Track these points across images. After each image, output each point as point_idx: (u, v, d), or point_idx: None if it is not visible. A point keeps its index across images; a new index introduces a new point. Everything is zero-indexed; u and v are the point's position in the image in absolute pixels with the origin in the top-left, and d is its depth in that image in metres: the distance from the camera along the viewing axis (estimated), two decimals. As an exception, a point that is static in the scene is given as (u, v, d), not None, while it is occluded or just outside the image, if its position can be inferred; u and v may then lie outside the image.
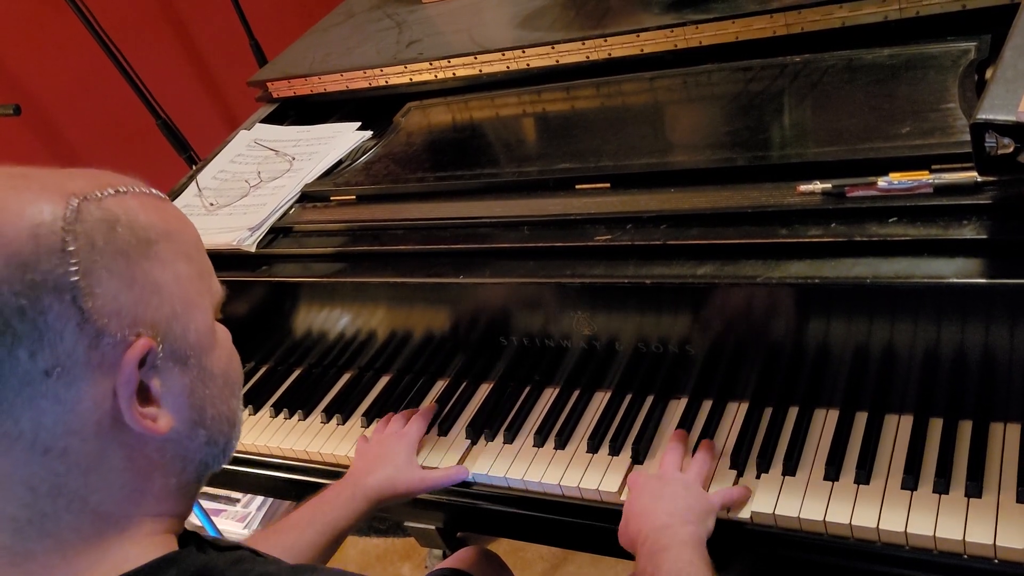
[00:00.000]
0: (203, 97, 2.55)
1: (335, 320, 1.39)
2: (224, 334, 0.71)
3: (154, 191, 0.68)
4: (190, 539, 0.68)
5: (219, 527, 2.26)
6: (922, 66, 1.12)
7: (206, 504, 2.28)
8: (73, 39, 2.07)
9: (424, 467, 1.19)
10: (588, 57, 1.37)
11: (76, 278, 0.58)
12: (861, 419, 1.04)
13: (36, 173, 0.62)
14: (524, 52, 1.41)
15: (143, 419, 0.61)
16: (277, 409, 1.40)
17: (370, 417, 1.31)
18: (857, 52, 1.19)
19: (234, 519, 2.30)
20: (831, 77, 1.17)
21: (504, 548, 2.00)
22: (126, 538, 0.63)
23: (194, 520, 2.30)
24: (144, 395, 0.62)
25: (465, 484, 1.19)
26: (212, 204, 1.45)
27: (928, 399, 1.01)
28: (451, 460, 1.20)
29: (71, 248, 0.58)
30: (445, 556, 2.10)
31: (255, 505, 2.31)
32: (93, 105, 2.22)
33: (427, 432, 1.25)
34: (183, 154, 2.20)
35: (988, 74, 1.08)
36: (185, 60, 2.49)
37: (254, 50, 2.39)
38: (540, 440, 1.16)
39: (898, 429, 1.02)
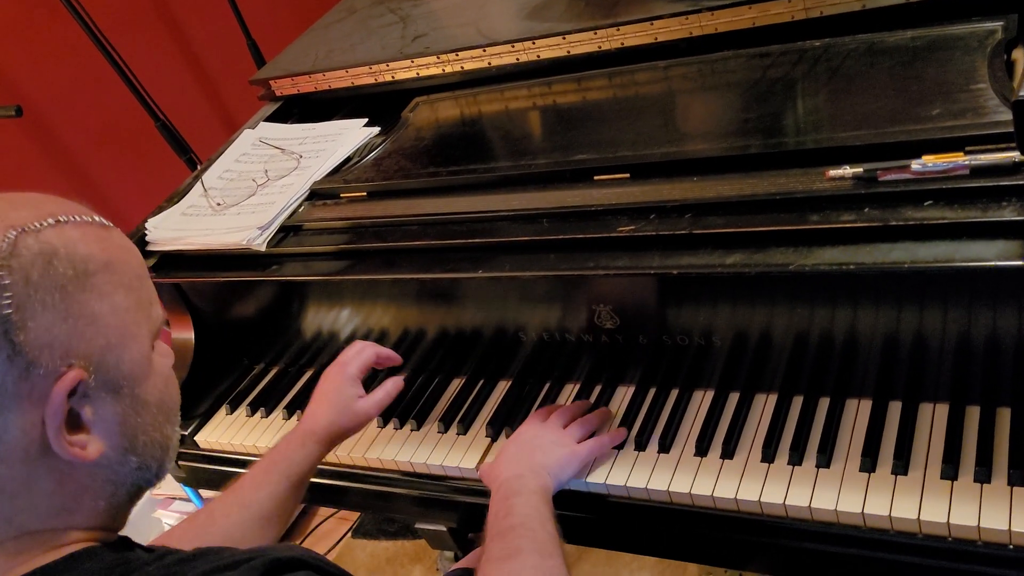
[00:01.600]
0: (201, 98, 2.52)
1: (347, 319, 1.36)
2: (162, 360, 0.73)
3: (98, 219, 0.69)
4: (119, 543, 0.71)
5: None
6: (947, 47, 1.10)
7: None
8: (69, 41, 2.04)
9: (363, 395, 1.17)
10: (600, 47, 1.35)
11: (9, 311, 0.59)
12: (895, 408, 1.02)
13: None
14: (534, 43, 1.39)
15: (71, 447, 0.63)
16: (291, 411, 1.38)
17: (387, 416, 1.28)
18: (879, 35, 1.16)
19: (241, 525, 2.27)
20: (853, 61, 1.15)
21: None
22: (49, 548, 0.66)
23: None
24: (75, 422, 0.64)
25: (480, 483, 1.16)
26: (219, 204, 1.42)
27: (964, 387, 0.98)
28: (472, 458, 1.18)
29: (5, 282, 0.60)
30: (457, 558, 2.07)
31: (262, 511, 2.28)
32: (91, 108, 2.18)
33: (446, 431, 1.23)
34: (183, 156, 2.16)
35: (1017, 54, 1.05)
36: (182, 61, 2.45)
37: (252, 50, 2.35)
38: (563, 437, 1.14)
39: (934, 418, 1.00)
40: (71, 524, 0.67)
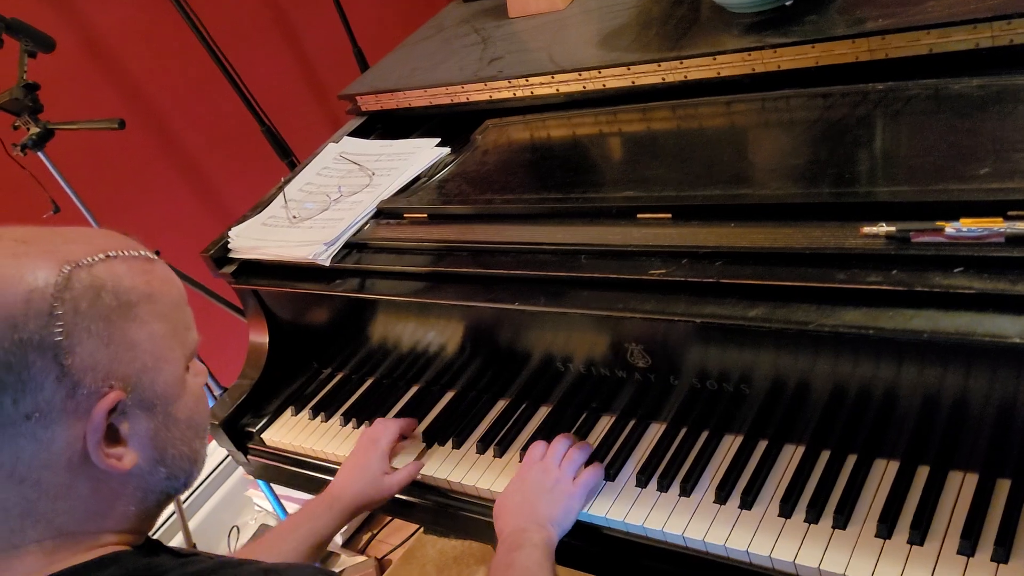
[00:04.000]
0: (309, 103, 2.64)
1: (404, 335, 1.42)
2: (194, 380, 0.79)
3: (144, 253, 0.76)
4: (147, 547, 0.77)
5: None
6: (1013, 100, 1.05)
7: (294, 494, 2.37)
8: (185, 48, 2.18)
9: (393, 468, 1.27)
10: (664, 79, 1.35)
11: (59, 338, 0.66)
12: (923, 474, 0.99)
13: (41, 239, 0.70)
14: (600, 72, 1.40)
15: (108, 458, 0.70)
16: (347, 418, 1.45)
17: (430, 433, 1.33)
18: (944, 81, 1.12)
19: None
20: (913, 107, 1.11)
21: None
22: (81, 548, 0.72)
23: (266, 505, 2.40)
24: (113, 436, 0.71)
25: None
26: (295, 217, 1.50)
27: (997, 459, 0.95)
28: (504, 480, 1.21)
29: (58, 312, 0.66)
30: (520, 564, 2.12)
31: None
32: (202, 112, 2.33)
33: (483, 452, 1.27)
34: (285, 159, 2.29)
35: (1083, 110, 1.00)
36: (292, 67, 2.58)
37: (357, 57, 2.46)
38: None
39: (961, 487, 0.96)
40: (104, 528, 0.73)
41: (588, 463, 1.16)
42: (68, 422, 0.67)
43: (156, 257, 0.78)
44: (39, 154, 1.69)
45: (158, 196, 2.25)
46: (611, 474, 1.15)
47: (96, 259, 0.70)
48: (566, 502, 1.08)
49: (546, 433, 1.25)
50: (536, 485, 1.10)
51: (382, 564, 2.33)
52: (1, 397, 0.64)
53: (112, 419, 0.70)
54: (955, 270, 0.88)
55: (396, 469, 1.27)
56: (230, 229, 1.55)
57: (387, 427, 1.29)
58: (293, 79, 2.58)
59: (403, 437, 1.34)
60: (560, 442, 1.16)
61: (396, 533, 2.37)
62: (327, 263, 1.38)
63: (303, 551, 1.14)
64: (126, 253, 0.73)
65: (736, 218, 1.07)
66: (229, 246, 1.52)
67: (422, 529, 2.35)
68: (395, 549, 2.34)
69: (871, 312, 0.90)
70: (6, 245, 0.68)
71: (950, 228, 0.90)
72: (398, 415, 1.41)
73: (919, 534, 0.92)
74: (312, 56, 2.60)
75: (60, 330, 0.66)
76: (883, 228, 0.94)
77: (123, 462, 0.71)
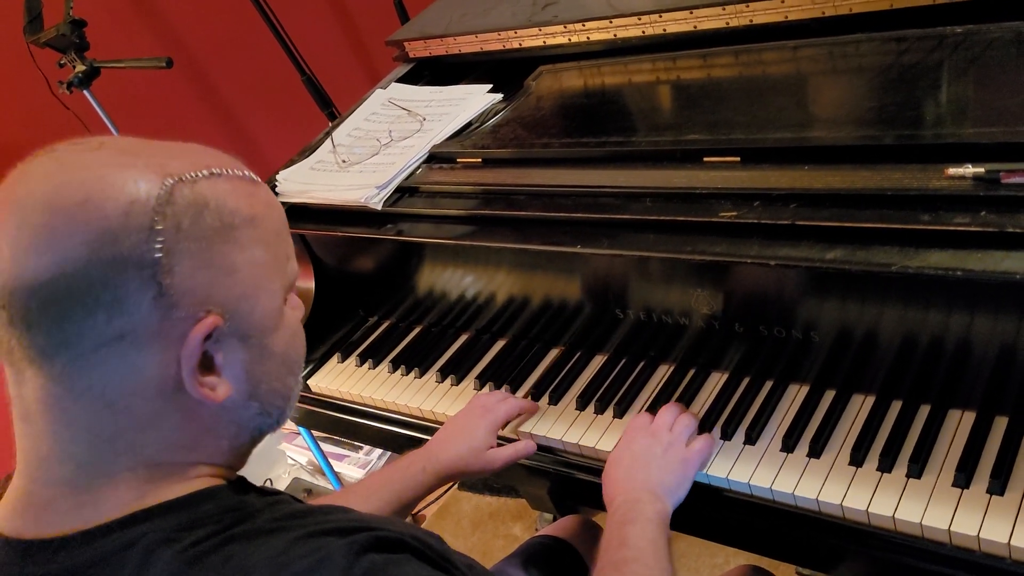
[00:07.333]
0: (347, 53, 2.61)
1: (455, 281, 1.40)
2: (292, 313, 0.75)
3: (248, 174, 0.71)
4: (238, 484, 0.74)
5: (341, 472, 2.35)
6: (1104, 40, 1.01)
7: (329, 448, 2.38)
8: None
9: (499, 440, 1.18)
10: (728, 23, 1.31)
11: (159, 255, 0.62)
12: (1000, 424, 0.96)
13: (144, 150, 0.66)
14: (661, 16, 1.36)
15: (202, 388, 0.66)
16: (395, 365, 1.43)
17: (483, 380, 1.32)
18: (1029, 23, 1.08)
19: (356, 465, 2.39)
20: (995, 51, 1.07)
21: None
22: (175, 480, 0.69)
23: (299, 458, 2.41)
24: (207, 365, 0.67)
25: (579, 458, 1.18)
26: (344, 161, 1.48)
27: (1080, 409, 0.92)
28: (559, 430, 1.20)
29: (159, 228, 0.62)
30: (555, 520, 2.12)
31: (376, 453, 2.39)
32: (243, 60, 2.31)
33: (539, 399, 1.25)
34: (325, 110, 2.26)
35: None
36: (331, 16, 2.55)
37: (397, 7, 2.42)
38: (650, 418, 1.14)
39: (1042, 439, 0.94)
40: (195, 460, 0.70)
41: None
42: (161, 345, 0.64)
43: (259, 180, 0.73)
44: (85, 92, 1.67)
45: (198, 141, 2.24)
46: (671, 422, 1.13)
47: (199, 175, 0.66)
48: (680, 469, 1.01)
49: (601, 382, 1.23)
50: (646, 449, 1.03)
51: (416, 519, 2.34)
52: (96, 314, 0.61)
53: (207, 346, 0.66)
54: (1049, 211, 0.85)
55: (501, 444, 1.17)
56: (277, 173, 1.53)
57: (506, 401, 1.20)
58: (331, 29, 2.55)
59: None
60: (668, 410, 1.09)
61: (430, 489, 2.36)
62: (379, 207, 1.36)
63: (386, 511, 1.09)
64: (231, 172, 0.69)
65: (810, 161, 1.04)
66: (277, 190, 1.50)
67: (456, 485, 2.35)
68: (429, 504, 2.35)
69: (958, 254, 0.87)
70: (108, 154, 0.65)
71: (1044, 168, 0.87)
72: (447, 363, 1.39)
73: (999, 484, 0.90)
74: (351, 6, 2.57)
75: (160, 246, 0.62)
76: (970, 169, 0.91)
77: (216, 392, 0.67)
